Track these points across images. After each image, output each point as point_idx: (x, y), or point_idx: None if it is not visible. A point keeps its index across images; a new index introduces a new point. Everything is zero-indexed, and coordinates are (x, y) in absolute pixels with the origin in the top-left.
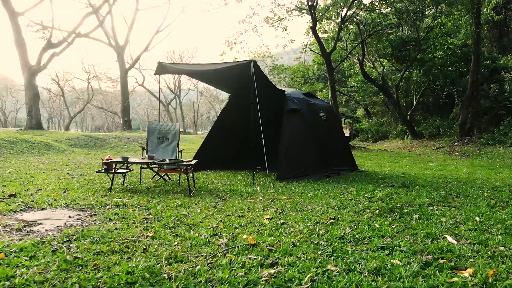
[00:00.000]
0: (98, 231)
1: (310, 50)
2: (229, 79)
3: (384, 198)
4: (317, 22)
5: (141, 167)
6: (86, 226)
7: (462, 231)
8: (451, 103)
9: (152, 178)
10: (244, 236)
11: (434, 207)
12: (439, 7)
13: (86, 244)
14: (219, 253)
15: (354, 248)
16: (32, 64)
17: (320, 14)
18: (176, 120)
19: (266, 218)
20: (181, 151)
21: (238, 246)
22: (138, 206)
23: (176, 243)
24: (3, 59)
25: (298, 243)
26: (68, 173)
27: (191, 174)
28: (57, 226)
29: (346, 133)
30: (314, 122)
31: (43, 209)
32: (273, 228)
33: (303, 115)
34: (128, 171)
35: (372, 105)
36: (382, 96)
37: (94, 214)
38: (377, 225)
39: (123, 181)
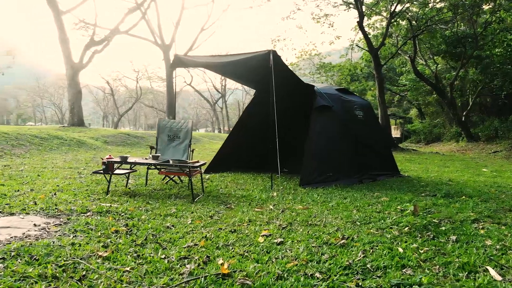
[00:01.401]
0: (48, 247)
1: (358, 46)
2: (248, 72)
3: (420, 211)
4: (366, 18)
5: (148, 168)
6: (43, 238)
7: (511, 262)
8: (510, 104)
9: (163, 179)
10: (220, 262)
11: (480, 224)
12: (497, 1)
13: (19, 264)
14: (175, 286)
15: (360, 284)
16: (75, 62)
17: (369, 9)
18: (223, 119)
19: (263, 235)
20: (192, 150)
21: (204, 277)
22: (122, 214)
23: (129, 268)
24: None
25: (286, 275)
26: (78, 172)
27: (196, 177)
28: (11, 237)
29: (397, 134)
30: (348, 121)
31: (11, 214)
32: (264, 250)
33: (335, 112)
34: (130, 172)
35: (426, 105)
36: (435, 95)
37: (65, 223)
38: (400, 249)
39: (127, 183)
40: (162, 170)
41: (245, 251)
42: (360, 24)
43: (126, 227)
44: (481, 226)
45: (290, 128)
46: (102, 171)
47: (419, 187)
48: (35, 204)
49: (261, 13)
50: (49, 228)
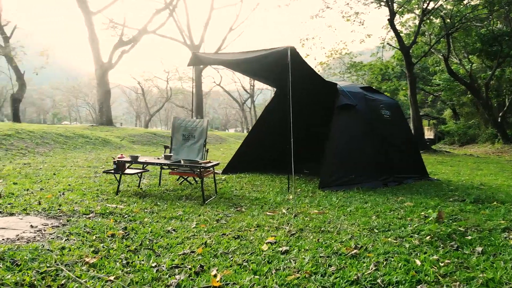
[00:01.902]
0: (35, 251)
1: (389, 45)
2: (266, 69)
3: (445, 218)
4: (398, 16)
5: (161, 168)
6: (35, 241)
7: None
8: None
9: (177, 180)
10: (213, 272)
11: (511, 233)
12: None
13: None
14: None
15: None
16: (104, 62)
17: (400, 6)
18: (251, 119)
19: (268, 242)
20: (207, 150)
21: None
22: (126, 216)
23: (113, 277)
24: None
25: None
26: (95, 172)
27: (210, 178)
28: (2, 239)
29: (430, 135)
30: (373, 121)
31: (11, 214)
32: (266, 260)
33: (359, 112)
34: (141, 172)
35: (460, 105)
36: (470, 95)
37: (63, 225)
38: (418, 262)
39: (139, 183)
40: (172, 170)
41: (244, 260)
42: (391, 22)
43: (124, 230)
44: (511, 236)
45: (311, 128)
46: (113, 171)
47: (447, 191)
48: (39, 204)
49: (289, 12)
50: (45, 230)
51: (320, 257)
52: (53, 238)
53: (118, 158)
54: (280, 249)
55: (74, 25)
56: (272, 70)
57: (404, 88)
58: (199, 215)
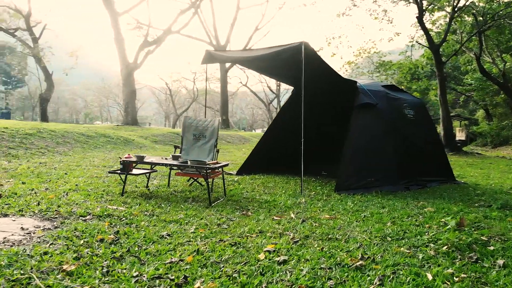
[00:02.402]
0: (14, 256)
1: (418, 43)
2: (280, 66)
3: (467, 225)
4: (428, 13)
5: (170, 169)
6: (20, 244)
7: None
8: None
9: (188, 181)
10: (196, 285)
11: None
12: None
13: None
14: None
15: None
16: (130, 62)
17: (430, 4)
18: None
19: (266, 251)
20: (217, 151)
21: None
22: (123, 219)
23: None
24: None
25: None
26: (109, 172)
27: (219, 179)
28: None
29: (462, 136)
30: (395, 121)
31: (5, 216)
32: (259, 271)
33: (380, 111)
34: (149, 172)
35: (493, 106)
36: (504, 95)
37: (55, 227)
38: (429, 276)
39: (147, 183)
40: (180, 170)
41: (236, 271)
42: (419, 19)
43: (116, 234)
44: None
45: (329, 128)
46: (118, 171)
47: (473, 195)
48: (38, 205)
49: (315, 10)
50: (34, 233)
51: (320, 268)
52: (39, 242)
53: (126, 158)
54: (278, 258)
55: (103, 25)
56: (286, 68)
57: (434, 87)
58: (201, 219)
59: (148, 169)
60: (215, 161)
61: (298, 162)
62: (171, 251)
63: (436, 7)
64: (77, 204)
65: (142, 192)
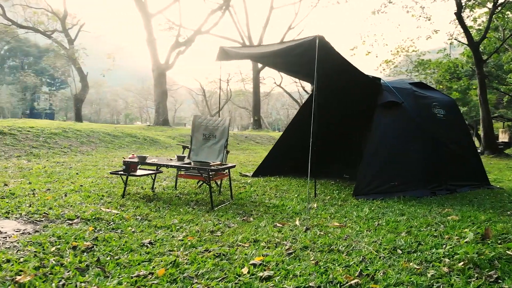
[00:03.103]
0: None
1: (456, 40)
2: (296, 62)
3: (492, 237)
4: (469, 10)
5: (178, 170)
6: None
7: None
8: None
9: (198, 183)
10: None
11: None
12: None
13: None
14: None
15: None
16: (161, 63)
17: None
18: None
19: (252, 264)
20: (227, 152)
21: None
22: (111, 223)
23: None
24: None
25: None
26: (110, 172)
27: (221, 181)
28: None
29: (504, 138)
30: (423, 121)
31: None
32: None
33: (406, 110)
34: (153, 173)
35: None
36: None
37: (36, 231)
38: None
39: (153, 185)
40: (183, 173)
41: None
42: (458, 15)
43: (94, 241)
44: None
45: (351, 128)
46: (119, 172)
47: (507, 202)
48: (30, 206)
49: (348, 8)
50: (9, 237)
51: (307, 287)
52: (8, 248)
53: (130, 158)
54: (263, 273)
55: (140, 27)
56: (302, 64)
57: (475, 87)
58: (196, 224)
59: (153, 170)
60: (219, 162)
61: (318, 164)
62: (146, 262)
63: (477, 2)
64: (71, 206)
65: (145, 194)
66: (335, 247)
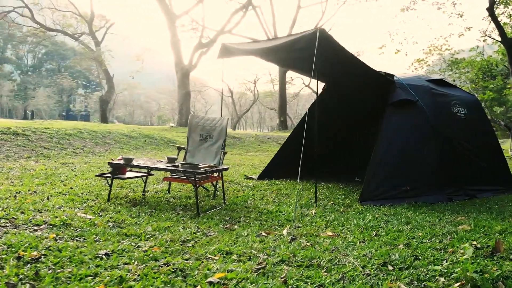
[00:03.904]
0: None
1: (489, 37)
2: (298, 57)
3: (504, 251)
4: (503, 6)
5: (171, 173)
6: None
7: None
8: None
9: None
10: None
11: None
12: None
13: None
14: None
15: None
16: (185, 64)
17: None
18: None
19: (208, 282)
20: (224, 153)
21: None
22: (78, 230)
23: None
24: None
25: None
26: (96, 175)
27: (216, 183)
28: None
29: None
30: (441, 120)
31: None
32: None
33: (421, 109)
34: (141, 176)
35: None
36: None
37: None
38: None
39: (144, 189)
40: (167, 176)
41: None
42: (490, 11)
43: (46, 251)
44: None
45: (363, 129)
46: (105, 175)
47: None
48: (2, 210)
49: (376, 5)
50: None
51: None
52: None
53: (118, 160)
54: None
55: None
56: (305, 59)
57: (509, 86)
58: (172, 233)
59: (144, 173)
60: (212, 164)
61: (326, 167)
62: (90, 276)
63: None
64: (47, 210)
65: (134, 197)
66: (317, 261)
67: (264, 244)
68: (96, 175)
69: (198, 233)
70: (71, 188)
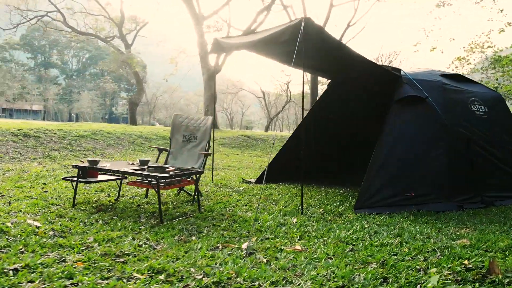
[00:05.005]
0: None
1: None
2: (288, 50)
3: (501, 272)
4: None
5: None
6: None
7: None
8: None
9: (178, 192)
10: None
11: None
12: None
13: None
14: None
15: None
16: (211, 65)
17: None
18: None
19: None
20: (207, 155)
21: None
22: (10, 239)
23: None
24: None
25: None
26: (62, 178)
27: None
28: None
29: None
30: (454, 119)
31: None
32: None
33: (431, 107)
34: (109, 180)
35: None
36: None
37: None
38: None
39: (118, 193)
40: (131, 180)
41: None
42: None
43: None
44: None
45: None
46: (72, 178)
47: None
48: None
49: (411, 2)
50: None
51: None
52: None
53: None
54: None
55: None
56: (297, 52)
57: None
58: (117, 244)
59: (119, 176)
60: (173, 167)
61: (333, 170)
62: None
63: None
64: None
65: (104, 202)
66: (258, 283)
67: (212, 260)
68: (63, 178)
69: (144, 246)
70: (46, 192)
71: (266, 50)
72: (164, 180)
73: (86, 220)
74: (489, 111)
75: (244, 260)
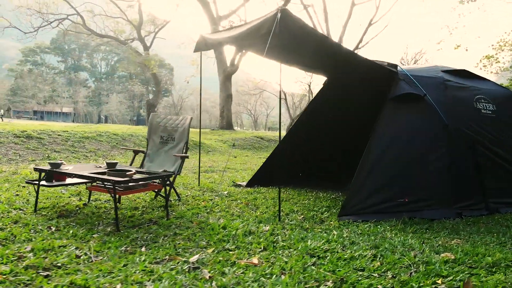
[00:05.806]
0: None
1: None
2: (277, 46)
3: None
4: None
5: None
6: None
7: None
8: None
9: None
10: None
11: None
12: None
13: None
14: None
15: None
16: (227, 65)
17: None
18: None
19: None
20: (183, 158)
21: None
22: None
23: None
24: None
25: None
26: (26, 181)
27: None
28: None
29: None
30: (456, 119)
31: None
32: None
33: (429, 105)
34: (72, 184)
35: None
36: None
37: None
38: None
39: (89, 198)
40: (91, 185)
41: None
42: None
43: None
44: None
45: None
46: (35, 181)
47: None
48: None
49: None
50: None
51: None
52: None
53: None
54: None
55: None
56: (282, 46)
57: None
58: (54, 255)
59: (87, 180)
60: (136, 170)
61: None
62: None
63: None
64: None
65: (69, 208)
66: None
67: (147, 275)
68: (26, 182)
69: (83, 257)
70: (17, 195)
71: (249, 44)
72: (123, 185)
73: (40, 226)
74: (498, 109)
75: (184, 276)
